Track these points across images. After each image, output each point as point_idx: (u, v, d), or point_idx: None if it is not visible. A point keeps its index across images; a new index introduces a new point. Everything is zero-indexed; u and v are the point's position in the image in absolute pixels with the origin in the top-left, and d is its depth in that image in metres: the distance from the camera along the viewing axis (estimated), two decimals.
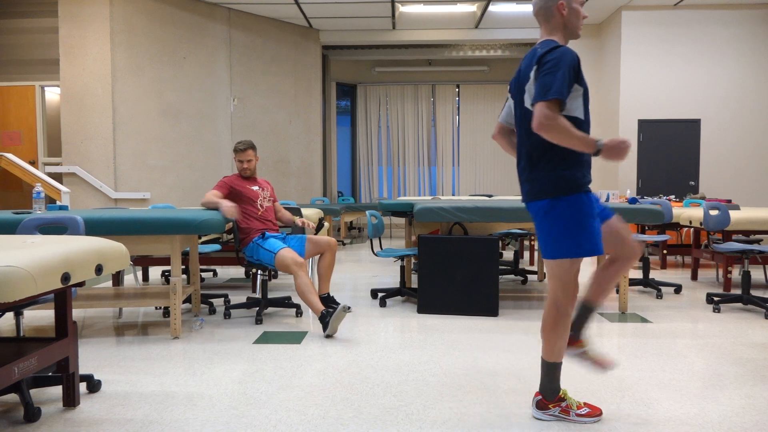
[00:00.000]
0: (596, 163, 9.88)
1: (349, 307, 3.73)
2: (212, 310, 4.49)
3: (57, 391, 2.74)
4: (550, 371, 2.36)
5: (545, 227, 2.29)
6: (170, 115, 8.34)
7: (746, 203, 8.91)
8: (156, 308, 4.66)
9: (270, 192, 4.53)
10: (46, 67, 8.57)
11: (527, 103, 2.28)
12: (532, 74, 2.23)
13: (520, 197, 7.68)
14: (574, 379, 2.90)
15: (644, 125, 8.92)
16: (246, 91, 9.26)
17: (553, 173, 2.24)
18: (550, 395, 2.37)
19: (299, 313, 4.36)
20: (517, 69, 2.39)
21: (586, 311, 2.45)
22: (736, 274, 6.46)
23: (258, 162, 4.35)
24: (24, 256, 1.94)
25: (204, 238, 5.73)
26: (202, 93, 8.68)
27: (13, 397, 2.66)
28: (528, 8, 9.01)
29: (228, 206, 4.02)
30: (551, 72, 2.13)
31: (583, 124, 2.27)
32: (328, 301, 4.32)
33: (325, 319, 3.72)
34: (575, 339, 2.45)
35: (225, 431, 2.29)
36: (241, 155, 4.39)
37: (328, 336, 3.73)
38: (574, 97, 2.22)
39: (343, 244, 9.76)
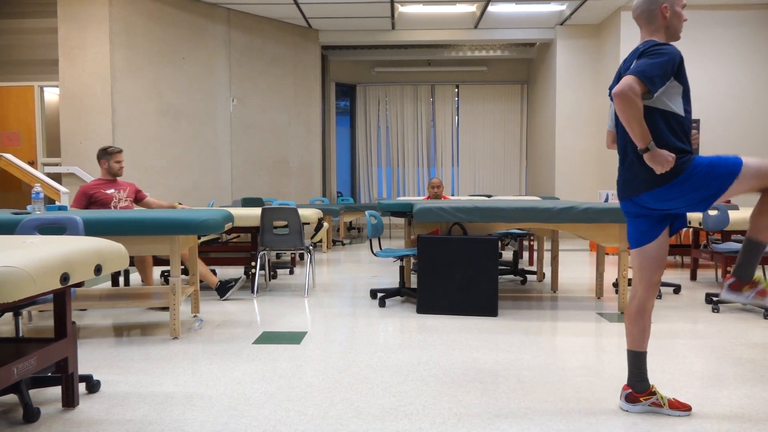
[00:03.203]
0: (595, 163, 9.89)
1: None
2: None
3: (56, 391, 2.74)
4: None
5: (690, 190, 2.25)
6: (170, 116, 8.33)
7: (745, 203, 8.91)
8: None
9: (128, 192, 4.89)
10: (45, 68, 8.56)
11: None
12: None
13: (518, 197, 7.68)
14: (574, 379, 2.90)
15: None
16: (245, 91, 9.26)
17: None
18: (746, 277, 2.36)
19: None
20: (617, 73, 2.44)
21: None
22: None
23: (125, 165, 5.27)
24: (23, 257, 1.93)
25: (204, 238, 5.73)
26: (201, 93, 8.68)
27: (12, 397, 2.66)
28: (527, 8, 9.01)
29: None
30: (652, 57, 2.20)
31: (684, 120, 2.30)
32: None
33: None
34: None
35: (224, 431, 2.29)
36: (118, 156, 4.82)
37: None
38: (674, 94, 2.27)
39: (343, 245, 9.76)
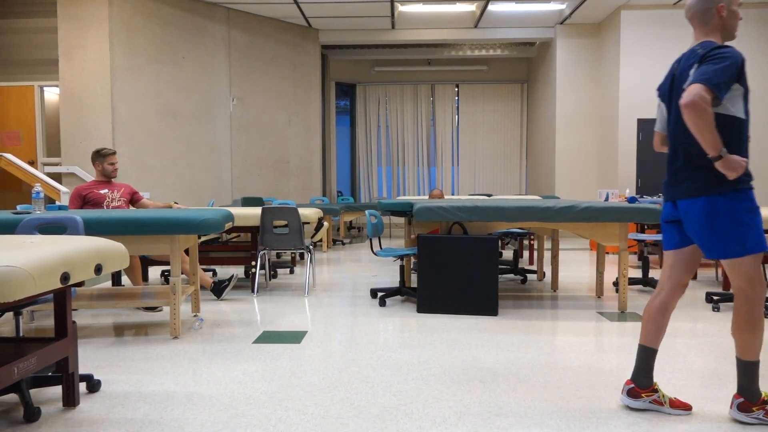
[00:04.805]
0: (595, 162, 9.89)
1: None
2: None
3: (57, 391, 2.74)
4: (749, 370, 2.28)
5: (708, 225, 2.24)
6: (169, 115, 8.33)
7: None
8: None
9: (123, 193, 4.89)
10: (45, 67, 8.56)
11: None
12: (692, 72, 2.22)
13: (518, 196, 7.67)
14: (574, 378, 2.90)
15: (643, 124, 8.92)
16: (245, 90, 9.26)
17: (716, 170, 2.22)
18: (753, 397, 2.30)
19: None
20: (669, 73, 2.40)
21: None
22: None
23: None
24: (23, 256, 1.94)
25: (204, 238, 5.73)
26: (201, 93, 8.68)
27: (12, 397, 2.66)
28: (527, 7, 9.01)
29: None
30: (715, 63, 2.15)
31: (744, 124, 2.26)
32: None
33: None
34: (644, 386, 2.44)
35: (224, 431, 2.29)
36: (111, 158, 4.86)
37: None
38: (735, 97, 2.22)
39: (343, 244, 9.76)
